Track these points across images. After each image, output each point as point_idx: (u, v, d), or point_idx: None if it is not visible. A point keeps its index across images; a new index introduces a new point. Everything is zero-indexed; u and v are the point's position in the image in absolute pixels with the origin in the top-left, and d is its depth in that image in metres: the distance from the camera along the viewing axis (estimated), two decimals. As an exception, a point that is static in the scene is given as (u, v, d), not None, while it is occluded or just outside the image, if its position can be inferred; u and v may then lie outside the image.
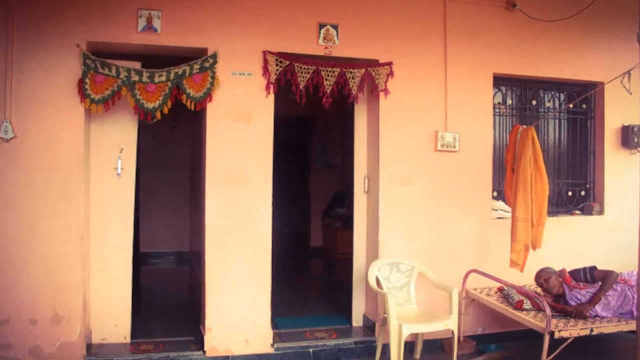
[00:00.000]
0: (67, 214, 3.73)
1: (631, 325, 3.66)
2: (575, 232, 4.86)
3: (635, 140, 4.92)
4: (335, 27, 4.21)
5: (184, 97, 3.85)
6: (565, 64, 4.84)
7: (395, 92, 4.32)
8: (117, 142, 4.08)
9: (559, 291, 3.95)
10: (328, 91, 4.12)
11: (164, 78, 3.81)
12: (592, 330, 3.57)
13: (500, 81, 4.80)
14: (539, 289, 4.16)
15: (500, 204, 4.76)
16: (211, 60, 3.92)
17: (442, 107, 4.46)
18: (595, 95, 5.04)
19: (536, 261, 4.13)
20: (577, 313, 3.74)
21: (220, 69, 3.94)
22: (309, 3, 4.21)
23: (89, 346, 3.90)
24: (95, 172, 4.02)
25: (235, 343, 3.99)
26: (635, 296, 3.72)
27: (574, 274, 3.96)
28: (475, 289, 4.35)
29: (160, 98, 3.80)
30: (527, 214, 4.01)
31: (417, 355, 4.13)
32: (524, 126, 4.24)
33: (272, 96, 4.09)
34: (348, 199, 6.76)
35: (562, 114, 5.15)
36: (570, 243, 4.78)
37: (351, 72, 4.18)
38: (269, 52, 4.04)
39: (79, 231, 3.76)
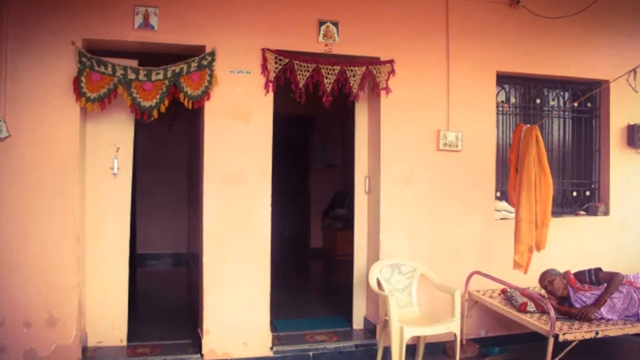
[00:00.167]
0: (63, 214, 3.73)
1: (637, 328, 3.67)
2: (580, 233, 4.86)
3: (641, 139, 4.92)
4: (335, 24, 4.21)
5: (181, 96, 3.85)
6: (569, 62, 4.84)
7: (396, 90, 4.31)
8: (114, 141, 4.09)
9: (563, 293, 3.95)
10: (328, 89, 4.11)
11: (161, 76, 3.81)
12: (597, 333, 3.57)
13: (503, 79, 4.80)
14: (543, 291, 4.16)
15: (504, 204, 4.76)
16: (209, 58, 3.92)
17: (444, 105, 4.46)
18: (600, 93, 5.04)
19: (540, 263, 4.13)
20: (582, 315, 3.73)
21: (219, 66, 3.94)
22: (308, -1, 4.21)
23: (84, 349, 3.90)
24: (91, 172, 4.02)
25: (233, 346, 3.99)
26: (641, 298, 3.73)
27: (579, 275, 3.96)
28: (478, 291, 4.35)
29: (157, 96, 3.80)
30: (531, 214, 4.01)
31: (419, 359, 4.12)
32: (528, 125, 4.24)
33: (271, 95, 4.09)
34: (348, 199, 6.77)
35: (566, 113, 5.15)
36: (575, 244, 4.78)
37: (352, 70, 4.18)
38: (268, 49, 4.04)
39: (75, 232, 3.76)
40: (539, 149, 4.03)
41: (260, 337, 4.06)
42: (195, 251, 4.91)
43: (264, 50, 4.04)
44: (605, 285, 3.80)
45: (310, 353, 4.15)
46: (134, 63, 3.87)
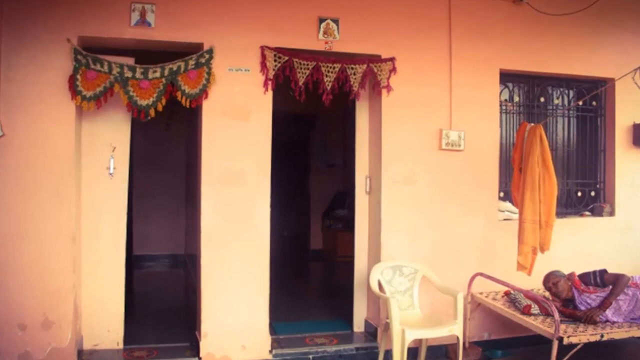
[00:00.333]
0: (58, 214, 3.73)
1: (643, 331, 3.67)
2: (584, 234, 4.86)
3: (647, 138, 4.92)
4: (335, 21, 4.21)
5: (178, 94, 3.85)
6: (574, 60, 4.84)
7: (398, 88, 4.31)
8: (110, 140, 4.08)
9: (568, 295, 3.95)
10: (328, 88, 4.11)
11: (158, 74, 3.81)
12: (602, 336, 3.57)
13: (507, 77, 4.80)
14: (547, 293, 4.16)
15: (507, 204, 4.76)
16: (207, 56, 3.91)
17: (446, 104, 4.46)
18: (605, 91, 5.04)
19: (544, 264, 4.12)
20: (587, 318, 3.73)
21: (217, 64, 3.94)
22: (308, -4, 4.21)
23: (80, 352, 3.90)
24: (87, 172, 4.02)
25: (232, 349, 3.99)
26: (647, 300, 3.73)
27: (584, 277, 3.95)
28: (481, 293, 4.35)
29: (154, 95, 3.80)
30: (535, 215, 4.01)
31: (421, 362, 4.13)
32: (532, 124, 4.23)
33: (270, 93, 4.08)
34: (349, 200, 6.76)
35: (571, 112, 5.15)
36: (579, 245, 4.78)
37: (352, 68, 4.17)
38: (267, 47, 4.04)
39: (70, 232, 3.76)
40: (543, 149, 4.02)
41: (259, 340, 4.06)
42: (193, 252, 4.91)
43: (263, 48, 4.04)
44: (610, 287, 3.80)
45: (310, 356, 4.14)
46: (130, 61, 3.86)
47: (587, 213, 5.05)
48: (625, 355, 4.42)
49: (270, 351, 4.09)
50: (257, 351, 4.03)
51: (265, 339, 4.09)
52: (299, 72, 4.06)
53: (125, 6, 3.83)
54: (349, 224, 6.42)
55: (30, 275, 3.68)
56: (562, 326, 3.58)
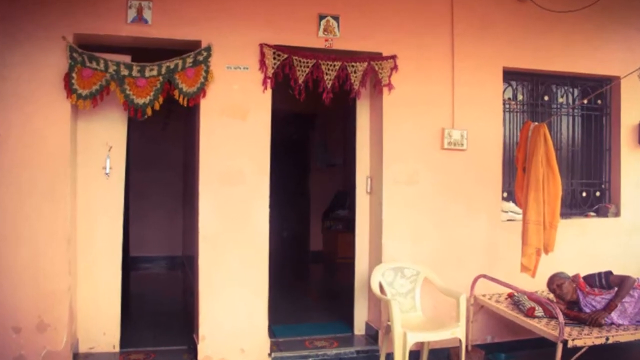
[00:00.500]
0: (53, 215, 3.73)
1: (649, 334, 3.66)
2: (589, 235, 4.86)
3: (653, 137, 4.92)
4: (336, 18, 4.21)
5: (176, 93, 3.85)
6: (579, 58, 4.84)
7: (399, 87, 4.31)
8: (106, 140, 4.08)
9: (572, 297, 3.94)
10: (329, 86, 4.11)
11: (155, 72, 3.81)
12: (607, 339, 3.56)
13: (510, 76, 4.80)
14: (551, 295, 4.16)
15: (511, 205, 4.76)
16: (205, 54, 3.91)
17: (449, 103, 4.46)
18: (610, 90, 5.04)
19: (548, 266, 4.12)
20: (592, 321, 3.73)
21: (215, 62, 3.94)
22: (308, -7, 4.21)
23: (75, 355, 3.89)
24: (83, 172, 4.02)
25: (230, 352, 3.99)
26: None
27: (589, 279, 3.95)
28: (484, 295, 4.35)
29: (151, 93, 3.80)
30: (539, 216, 4.00)
31: (423, 365, 4.13)
32: (536, 123, 4.24)
33: (269, 91, 4.08)
34: (350, 200, 6.77)
35: (575, 110, 5.15)
36: (584, 246, 4.78)
37: (353, 66, 4.17)
38: (266, 44, 4.04)
39: (66, 233, 3.76)
40: (547, 148, 4.02)
41: (258, 343, 4.06)
42: (191, 254, 4.90)
43: (261, 46, 4.03)
44: (615, 289, 3.80)
45: (310, 359, 4.15)
46: (127, 59, 3.86)
47: (592, 214, 5.05)
48: (631, 358, 4.41)
49: (270, 354, 4.09)
50: (255, 354, 4.03)
51: (264, 342, 4.09)
52: (299, 70, 4.05)
53: (122, 3, 3.83)
54: (349, 225, 6.42)
55: (25, 277, 3.68)
56: (567, 329, 3.58)
